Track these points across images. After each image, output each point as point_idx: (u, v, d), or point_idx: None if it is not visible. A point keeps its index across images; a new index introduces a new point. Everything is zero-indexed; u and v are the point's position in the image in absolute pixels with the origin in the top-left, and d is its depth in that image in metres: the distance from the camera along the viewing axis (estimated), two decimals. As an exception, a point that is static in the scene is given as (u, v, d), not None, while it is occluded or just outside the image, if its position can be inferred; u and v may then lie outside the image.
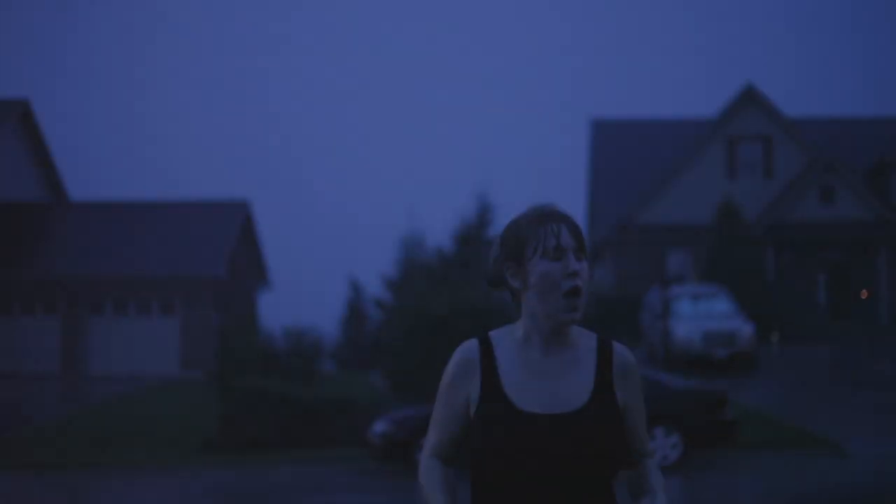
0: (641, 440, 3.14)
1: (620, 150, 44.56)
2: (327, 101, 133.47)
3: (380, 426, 16.55)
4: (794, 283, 38.21)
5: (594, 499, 2.94)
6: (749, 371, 25.94)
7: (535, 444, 2.89)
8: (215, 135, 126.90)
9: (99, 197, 42.35)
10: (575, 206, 45.37)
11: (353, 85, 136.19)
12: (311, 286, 54.62)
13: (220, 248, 36.18)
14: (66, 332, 35.10)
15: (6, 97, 39.94)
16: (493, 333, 3.12)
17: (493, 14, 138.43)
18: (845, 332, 36.11)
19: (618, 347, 3.10)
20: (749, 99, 39.76)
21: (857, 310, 38.34)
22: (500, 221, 40.64)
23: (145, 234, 36.66)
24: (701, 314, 27.15)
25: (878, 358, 29.54)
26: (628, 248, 39.50)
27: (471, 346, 3.08)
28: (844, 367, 27.53)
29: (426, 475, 3.09)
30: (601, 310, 36.40)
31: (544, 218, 3.03)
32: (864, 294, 38.40)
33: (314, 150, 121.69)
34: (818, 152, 38.80)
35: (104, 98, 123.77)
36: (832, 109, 79.24)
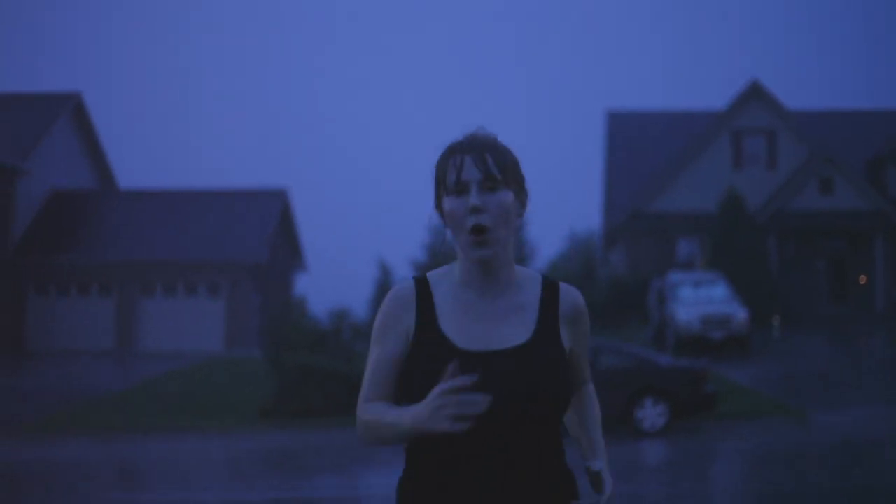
0: (583, 369, 3.04)
1: (634, 140, 46.77)
2: (361, 90, 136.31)
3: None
4: (795, 269, 40.58)
5: (537, 441, 2.76)
6: (743, 352, 28.64)
7: (479, 386, 2.57)
8: (254, 125, 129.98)
9: (145, 185, 45.30)
10: (592, 194, 47.83)
11: (382, 74, 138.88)
12: (343, 268, 57.40)
13: (262, 234, 39.13)
14: (120, 313, 38.13)
15: (60, 91, 42.88)
16: (430, 274, 2.92)
17: (518, 9, 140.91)
18: (843, 317, 38.57)
19: (564, 288, 2.93)
20: (754, 94, 42.07)
21: (854, 295, 40.66)
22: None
23: (191, 220, 39.57)
24: (700, 299, 29.77)
25: (866, 341, 32.18)
26: (640, 235, 41.74)
27: (406, 285, 2.87)
28: (833, 349, 30.17)
29: (368, 412, 2.76)
30: (614, 293, 39.05)
31: (450, 150, 2.82)
32: (861, 280, 40.83)
33: (349, 138, 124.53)
34: (819, 145, 41.12)
35: (145, 90, 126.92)
36: (834, 102, 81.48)
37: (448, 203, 2.78)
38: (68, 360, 34.34)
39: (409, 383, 2.76)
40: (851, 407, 20.37)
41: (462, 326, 2.78)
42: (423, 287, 2.84)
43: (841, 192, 40.43)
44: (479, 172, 2.75)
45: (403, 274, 43.62)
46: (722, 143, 42.15)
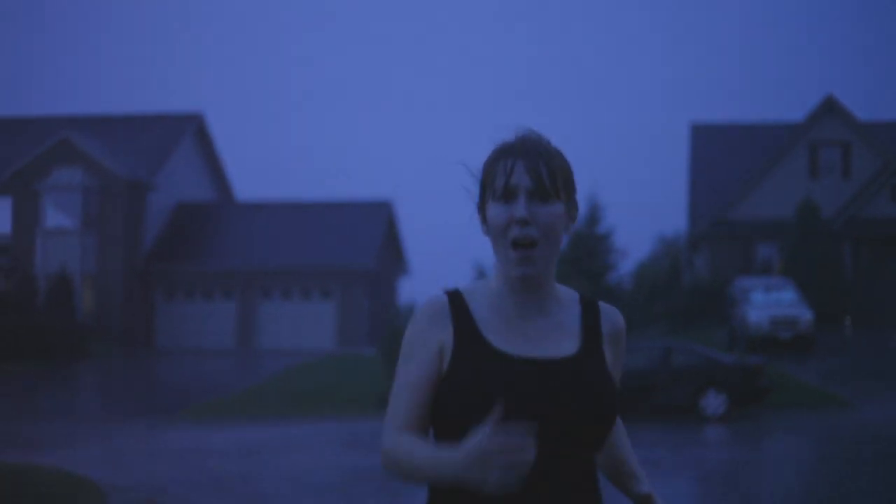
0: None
1: (716, 151, 49.14)
2: (463, 104, 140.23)
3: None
4: (869, 273, 43.02)
5: (580, 465, 2.50)
6: (808, 350, 31.40)
7: (518, 392, 2.40)
8: (358, 138, 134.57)
9: (260, 197, 49.10)
10: (677, 203, 50.35)
11: (485, 85, 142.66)
12: (443, 271, 60.68)
13: (370, 242, 42.69)
14: (241, 315, 41.93)
15: (184, 111, 46.83)
16: (465, 288, 2.63)
17: (612, 28, 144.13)
18: (916, 317, 41.05)
19: (605, 308, 2.69)
20: (829, 108, 44.51)
21: None
22: (609, 219, 46.27)
23: (305, 230, 43.21)
24: (770, 302, 32.56)
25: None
26: (721, 242, 44.23)
27: (438, 298, 2.57)
28: (892, 348, 32.80)
29: (399, 447, 2.44)
30: (696, 296, 41.85)
31: (502, 153, 2.55)
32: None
33: (448, 147, 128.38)
34: (891, 155, 43.55)
35: (256, 108, 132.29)
36: None
37: (492, 209, 2.52)
38: (196, 357, 38.09)
39: (450, 402, 2.45)
40: (895, 399, 23.15)
41: (506, 337, 2.51)
42: (457, 299, 2.57)
43: (913, 201, 42.79)
44: (530, 180, 2.49)
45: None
46: (799, 154, 44.62)
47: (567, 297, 2.68)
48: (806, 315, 31.77)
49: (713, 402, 21.27)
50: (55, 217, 41.14)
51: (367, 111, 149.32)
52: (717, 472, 14.83)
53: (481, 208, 2.61)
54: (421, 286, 49.52)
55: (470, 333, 2.51)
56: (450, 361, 2.50)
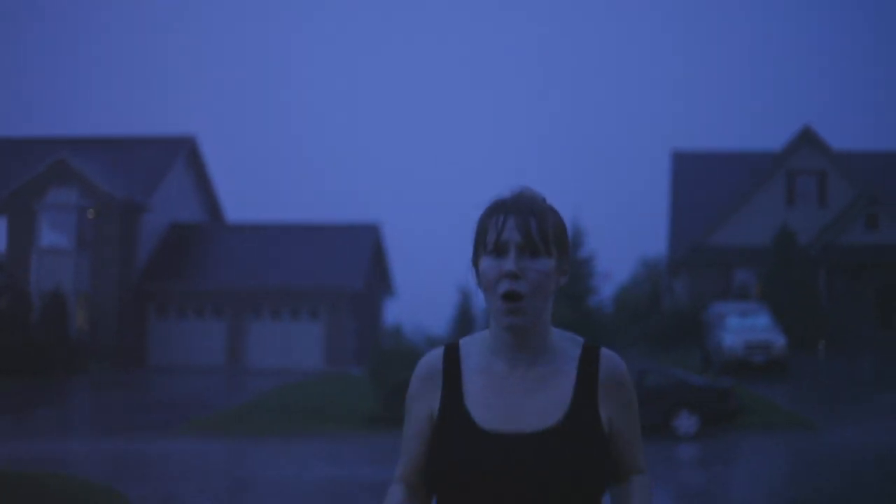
0: (632, 455, 2.72)
1: (697, 178, 50.06)
2: (439, 127, 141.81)
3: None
4: (843, 299, 44.20)
5: None
6: (781, 374, 32.56)
7: (495, 467, 2.51)
8: (346, 162, 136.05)
9: (250, 219, 50.09)
10: (659, 226, 51.46)
11: (468, 114, 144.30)
12: (426, 292, 61.71)
13: (358, 264, 43.73)
14: (231, 333, 42.91)
15: (176, 134, 47.85)
16: (463, 341, 2.76)
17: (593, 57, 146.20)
18: (888, 342, 42.14)
19: (605, 355, 2.69)
20: (806, 139, 45.78)
21: None
22: (591, 243, 47.46)
23: (294, 252, 44.21)
24: (745, 327, 33.71)
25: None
26: (700, 267, 45.29)
27: (435, 355, 2.73)
28: (865, 371, 33.96)
29: (387, 500, 2.70)
30: (674, 319, 42.97)
31: (495, 209, 2.64)
32: (905, 308, 44.46)
33: (433, 169, 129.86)
34: (866, 185, 44.76)
35: (241, 131, 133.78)
36: (884, 143, 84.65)
37: (485, 263, 2.61)
38: (187, 375, 39.04)
39: (433, 459, 2.62)
40: (862, 423, 24.24)
41: (489, 402, 2.61)
42: (451, 357, 2.70)
43: (885, 228, 43.79)
44: (519, 235, 2.57)
45: (481, 300, 47.67)
46: (777, 183, 45.86)
47: (567, 344, 2.72)
48: (779, 340, 32.93)
49: (685, 422, 22.39)
50: (50, 236, 42.09)
51: (357, 136, 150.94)
52: (686, 484, 15.93)
53: (475, 262, 2.68)
54: (406, 307, 50.61)
55: (454, 400, 2.64)
56: (436, 427, 2.66)
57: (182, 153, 46.57)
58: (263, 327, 42.95)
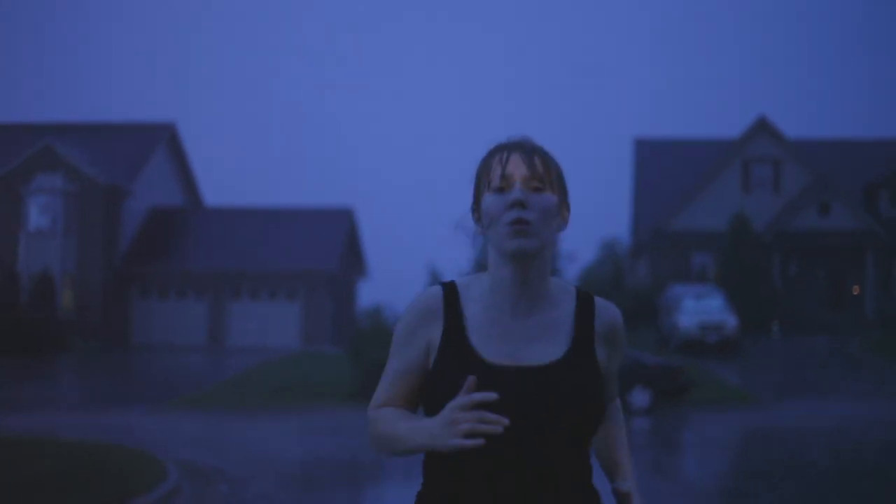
0: (613, 387, 2.86)
1: (658, 164, 51.95)
2: (404, 116, 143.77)
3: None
4: (796, 282, 46.35)
5: (562, 461, 2.60)
6: (733, 353, 34.69)
7: (501, 398, 2.45)
8: (319, 148, 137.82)
9: (228, 203, 51.86)
10: (621, 211, 53.37)
11: (433, 99, 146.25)
12: (398, 274, 63.58)
13: (333, 247, 45.64)
14: (212, 314, 44.75)
15: (157, 121, 49.54)
16: (460, 281, 2.73)
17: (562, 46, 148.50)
18: (839, 323, 44.24)
19: (600, 303, 2.75)
20: (761, 128, 47.75)
21: (849, 304, 46.31)
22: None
23: (272, 235, 46.06)
24: (700, 309, 35.79)
25: (846, 343, 38.08)
26: (661, 251, 47.23)
27: (433, 292, 2.71)
28: (815, 350, 36.13)
29: (378, 419, 2.68)
30: (635, 303, 44.97)
31: (497, 149, 2.67)
32: (855, 290, 46.57)
33: (406, 153, 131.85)
34: (818, 173, 46.87)
35: (220, 116, 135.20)
36: (838, 131, 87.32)
37: (488, 199, 2.61)
38: (171, 353, 40.89)
39: (433, 396, 2.59)
40: (802, 398, 26.34)
41: (492, 340, 2.59)
42: (451, 295, 2.68)
43: (837, 214, 45.83)
44: (526, 168, 2.58)
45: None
46: (733, 171, 47.83)
47: (562, 292, 2.72)
48: (731, 321, 35.03)
49: (639, 398, 24.42)
50: (38, 220, 43.77)
51: (331, 123, 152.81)
52: (637, 451, 18.00)
53: (475, 208, 2.70)
54: (378, 288, 52.48)
55: (456, 335, 2.61)
56: (435, 360, 2.61)
57: (162, 140, 48.26)
58: (243, 308, 44.80)
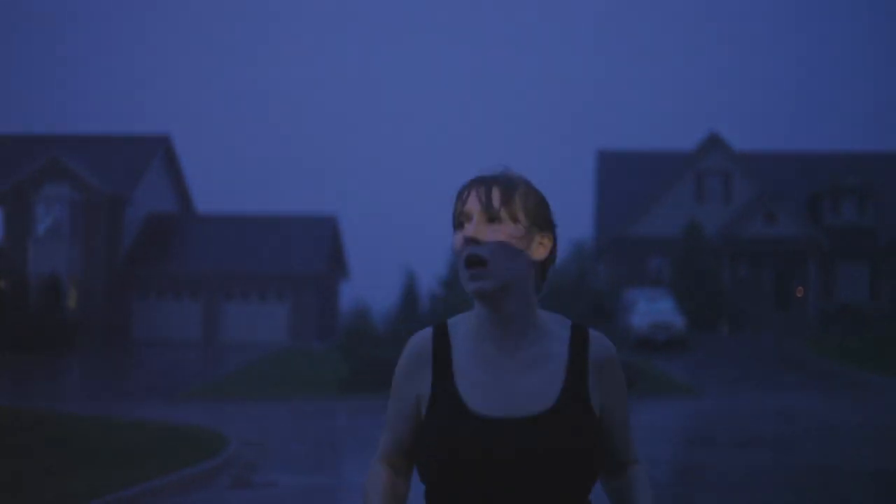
0: (625, 443, 2.71)
1: (620, 175, 55.42)
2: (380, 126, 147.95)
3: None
4: (745, 285, 50.06)
5: None
6: (681, 350, 38.60)
7: (490, 455, 2.44)
8: (306, 156, 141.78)
9: (219, 210, 55.56)
10: (585, 221, 56.82)
11: (401, 108, 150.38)
12: (376, 275, 67.32)
13: (318, 251, 49.44)
14: (206, 312, 48.45)
15: (154, 133, 53.15)
16: (451, 321, 2.67)
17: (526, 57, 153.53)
18: (784, 323, 47.93)
19: (595, 336, 2.63)
20: (713, 142, 51.39)
21: (794, 305, 49.97)
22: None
23: (261, 240, 49.78)
24: (651, 310, 39.69)
25: (787, 341, 41.97)
26: (621, 256, 50.85)
27: (424, 336, 2.65)
28: (757, 348, 40.00)
29: (370, 483, 2.68)
30: (596, 303, 48.67)
31: (464, 187, 2.60)
32: (798, 293, 50.47)
33: (390, 162, 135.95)
34: (765, 184, 50.70)
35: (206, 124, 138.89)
36: (783, 144, 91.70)
37: (453, 237, 2.56)
38: (170, 349, 44.47)
39: (422, 448, 2.53)
40: (738, 390, 30.13)
41: (479, 386, 2.52)
42: (440, 337, 2.63)
43: (782, 222, 49.58)
44: (479, 204, 2.52)
45: (430, 286, 53.39)
46: (688, 182, 51.44)
47: (556, 325, 2.63)
48: (678, 321, 38.94)
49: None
50: (46, 226, 47.41)
51: (318, 132, 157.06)
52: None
53: None
54: (359, 288, 56.32)
55: (444, 382, 2.55)
56: (425, 411, 2.57)
57: (159, 150, 51.88)
58: (235, 307, 48.53)
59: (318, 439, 20.30)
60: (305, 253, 49.11)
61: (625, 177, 55.56)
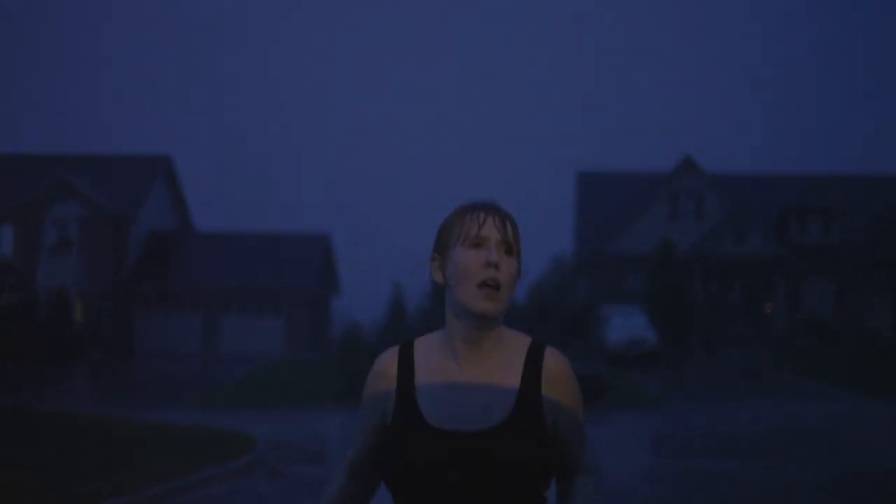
0: (576, 455, 2.82)
1: (598, 195, 57.39)
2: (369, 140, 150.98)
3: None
4: (715, 300, 52.36)
5: None
6: (654, 363, 41.08)
7: (441, 465, 2.61)
8: (301, 178, 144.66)
9: (218, 227, 58.04)
10: (564, 240, 58.99)
11: (388, 125, 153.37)
12: (366, 291, 69.77)
13: (312, 268, 52.19)
14: (206, 325, 51.13)
15: (155, 154, 55.77)
16: (418, 340, 2.84)
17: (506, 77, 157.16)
18: (752, 337, 49.71)
19: (549, 351, 2.75)
20: (687, 165, 53.71)
21: (762, 320, 52.22)
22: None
23: (258, 257, 52.40)
24: (626, 326, 42.24)
25: (753, 355, 44.51)
26: (598, 272, 53.21)
27: (389, 354, 2.82)
28: (725, 361, 42.52)
29: (326, 487, 2.91)
30: (574, 318, 50.86)
31: (471, 207, 2.76)
32: (767, 308, 52.96)
33: (374, 189, 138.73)
34: (735, 205, 53.02)
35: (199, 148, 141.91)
36: (753, 166, 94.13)
37: (462, 254, 2.68)
38: (171, 359, 46.89)
39: (384, 457, 2.71)
40: (702, 400, 32.51)
41: (438, 401, 2.68)
42: (405, 355, 2.79)
43: (751, 241, 51.92)
44: (499, 233, 2.68)
45: (417, 300, 55.43)
46: (662, 202, 53.62)
47: (516, 341, 2.76)
48: (651, 336, 41.57)
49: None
50: (55, 243, 50.04)
51: (307, 156, 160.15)
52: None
53: (439, 256, 2.78)
54: (350, 303, 58.74)
55: (406, 397, 2.70)
56: (389, 423, 2.73)
57: (160, 171, 54.52)
58: (233, 320, 51.22)
59: (330, 440, 22.99)
60: (299, 269, 51.83)
61: (603, 197, 57.31)
